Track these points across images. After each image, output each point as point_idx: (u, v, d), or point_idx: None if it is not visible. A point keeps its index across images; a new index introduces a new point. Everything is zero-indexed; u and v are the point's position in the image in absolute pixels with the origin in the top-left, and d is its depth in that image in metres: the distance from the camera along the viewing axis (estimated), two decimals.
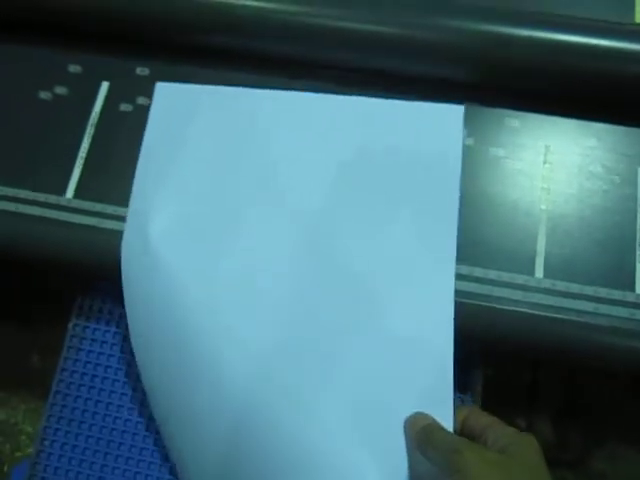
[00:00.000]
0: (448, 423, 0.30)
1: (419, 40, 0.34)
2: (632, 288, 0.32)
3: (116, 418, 0.39)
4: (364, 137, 0.34)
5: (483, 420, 0.29)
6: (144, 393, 0.38)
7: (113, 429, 0.38)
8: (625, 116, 0.34)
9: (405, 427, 0.30)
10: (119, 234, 0.34)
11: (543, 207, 0.33)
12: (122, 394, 0.39)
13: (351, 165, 0.34)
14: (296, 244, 0.33)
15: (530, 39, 0.33)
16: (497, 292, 0.32)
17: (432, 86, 0.35)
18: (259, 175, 0.35)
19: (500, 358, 0.44)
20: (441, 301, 0.31)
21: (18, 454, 0.56)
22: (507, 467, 0.26)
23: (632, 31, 0.33)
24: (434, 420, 0.29)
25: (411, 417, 0.30)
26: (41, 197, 0.35)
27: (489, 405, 0.50)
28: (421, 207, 0.33)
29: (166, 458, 0.38)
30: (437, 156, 0.34)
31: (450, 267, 0.32)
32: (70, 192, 0.36)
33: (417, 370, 0.31)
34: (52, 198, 0.35)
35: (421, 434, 0.28)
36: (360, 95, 0.35)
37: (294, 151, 0.35)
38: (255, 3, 0.35)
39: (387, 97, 0.35)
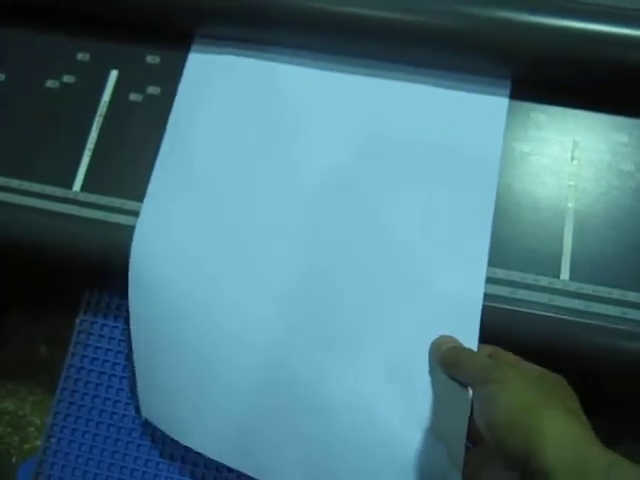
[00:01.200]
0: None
1: (443, 30, 0.32)
2: None
3: (124, 416, 0.38)
4: (401, 119, 0.34)
5: (511, 356, 0.28)
6: None
7: (121, 427, 0.38)
8: None
9: (431, 350, 0.30)
10: (127, 228, 0.33)
11: (570, 206, 0.32)
12: (129, 391, 0.38)
13: (386, 140, 0.34)
14: (325, 199, 0.33)
15: (557, 28, 0.32)
16: (520, 294, 0.31)
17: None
18: (287, 137, 0.34)
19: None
20: (473, 260, 0.31)
21: (26, 446, 0.56)
22: (544, 384, 0.26)
23: None
24: (460, 342, 0.29)
25: (437, 339, 0.30)
26: (48, 190, 0.34)
27: None
28: (458, 191, 0.32)
29: (173, 456, 0.37)
30: (478, 145, 0.33)
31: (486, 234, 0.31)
32: (78, 185, 0.34)
33: (444, 315, 0.31)
34: (59, 191, 0.34)
35: (449, 354, 0.29)
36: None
37: (326, 120, 0.34)
38: None
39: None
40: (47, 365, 0.53)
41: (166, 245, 0.33)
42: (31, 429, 0.56)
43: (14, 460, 0.55)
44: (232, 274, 0.33)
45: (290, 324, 0.32)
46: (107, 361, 0.39)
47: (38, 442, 0.54)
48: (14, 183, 0.35)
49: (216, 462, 0.33)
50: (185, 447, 0.35)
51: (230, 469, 0.34)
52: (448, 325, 0.30)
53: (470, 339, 0.30)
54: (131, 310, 0.34)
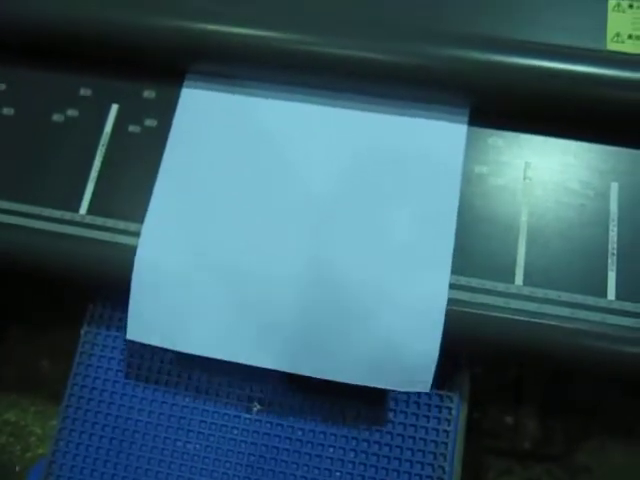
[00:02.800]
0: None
1: (409, 66, 0.37)
2: (604, 294, 0.35)
3: (127, 419, 0.41)
4: (370, 143, 0.38)
5: None
6: (154, 395, 0.41)
7: (125, 429, 0.41)
8: (599, 134, 0.37)
9: None
10: (130, 248, 0.37)
11: (523, 219, 0.36)
12: (132, 396, 0.41)
13: (358, 163, 0.38)
14: (303, 218, 0.37)
15: (511, 65, 0.36)
16: (479, 299, 0.35)
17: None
18: (270, 164, 0.38)
19: (486, 359, 0.46)
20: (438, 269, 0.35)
21: (28, 454, 0.59)
22: None
23: (604, 57, 0.36)
24: None
25: None
26: (56, 213, 0.38)
27: (477, 403, 0.53)
28: (421, 209, 0.37)
29: (173, 454, 0.40)
30: (441, 167, 0.37)
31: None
32: (84, 208, 0.38)
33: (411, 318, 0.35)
34: (67, 214, 0.38)
35: None
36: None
37: (304, 148, 0.39)
38: (257, 32, 0.38)
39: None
40: (48, 377, 0.56)
41: (165, 262, 0.37)
42: (33, 438, 0.59)
43: (17, 469, 0.58)
44: (226, 293, 0.37)
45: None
46: (110, 369, 0.42)
47: (40, 451, 0.57)
48: (25, 208, 0.38)
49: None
50: (187, 444, 0.39)
51: None
52: (415, 328, 0.34)
53: (433, 340, 0.34)
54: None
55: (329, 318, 0.36)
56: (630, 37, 0.36)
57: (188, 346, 0.37)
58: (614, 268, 0.35)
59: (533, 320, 0.34)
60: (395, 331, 0.35)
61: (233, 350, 0.37)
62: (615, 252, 0.35)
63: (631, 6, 0.37)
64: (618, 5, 0.37)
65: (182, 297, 0.37)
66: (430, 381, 0.35)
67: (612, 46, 0.36)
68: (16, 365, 0.59)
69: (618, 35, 0.36)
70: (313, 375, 0.36)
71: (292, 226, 0.37)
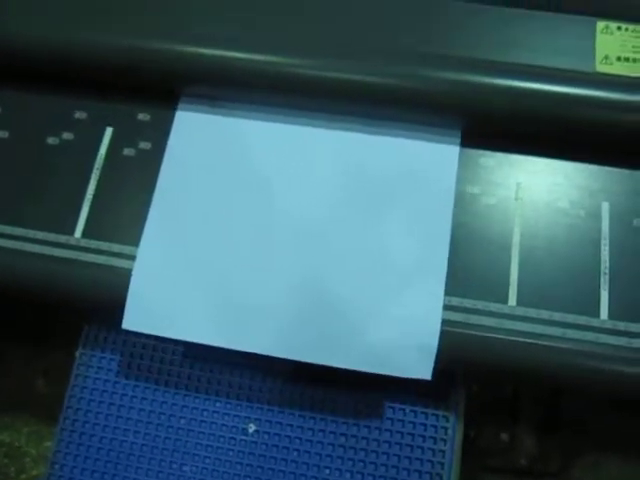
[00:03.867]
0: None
1: (402, 89, 0.37)
2: (597, 314, 0.35)
3: (122, 442, 0.41)
4: (362, 165, 0.39)
5: None
6: (149, 417, 0.41)
7: (120, 452, 0.41)
8: (590, 155, 0.38)
9: None
10: (124, 271, 0.37)
11: (515, 240, 0.37)
12: (128, 419, 0.41)
13: (353, 183, 0.38)
14: (296, 238, 0.37)
15: (502, 87, 0.37)
16: (473, 319, 0.35)
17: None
18: (265, 192, 0.39)
19: (481, 377, 0.46)
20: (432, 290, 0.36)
21: (22, 476, 0.58)
22: None
23: (593, 80, 0.36)
24: None
25: None
26: (51, 237, 0.38)
27: (473, 420, 0.53)
28: (414, 230, 0.37)
29: (169, 477, 0.40)
30: (433, 188, 0.38)
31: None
32: (78, 232, 0.38)
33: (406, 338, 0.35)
34: (62, 238, 0.38)
35: None
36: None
37: (299, 171, 0.39)
38: (251, 56, 0.38)
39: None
40: (43, 398, 0.56)
41: (161, 287, 0.37)
42: (27, 459, 0.59)
43: None
44: (220, 313, 0.37)
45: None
46: (106, 391, 0.42)
47: (34, 472, 0.56)
48: (20, 231, 0.38)
49: None
50: (183, 466, 0.39)
51: None
52: (409, 347, 0.34)
53: (428, 360, 0.34)
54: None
55: (327, 303, 0.36)
56: (619, 59, 0.37)
57: (182, 333, 0.37)
58: (606, 287, 0.35)
59: (526, 340, 0.35)
60: (396, 317, 0.35)
61: (229, 337, 0.37)
62: (607, 271, 0.36)
63: (619, 28, 0.37)
64: (607, 27, 0.37)
65: (177, 288, 0.37)
66: (431, 366, 0.34)
67: (601, 68, 0.37)
68: (11, 385, 0.58)
69: (607, 57, 0.37)
70: (307, 360, 0.36)
71: (285, 249, 0.37)
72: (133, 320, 0.37)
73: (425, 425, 0.40)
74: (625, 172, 0.37)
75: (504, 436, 0.52)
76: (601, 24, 0.38)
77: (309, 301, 0.36)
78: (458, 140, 0.38)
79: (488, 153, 0.38)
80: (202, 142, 0.40)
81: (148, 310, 0.37)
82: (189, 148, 0.39)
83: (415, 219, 0.37)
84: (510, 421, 0.53)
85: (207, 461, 0.40)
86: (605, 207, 0.37)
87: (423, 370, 0.34)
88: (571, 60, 0.37)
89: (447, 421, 0.40)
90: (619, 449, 0.52)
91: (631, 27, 0.37)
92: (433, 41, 0.38)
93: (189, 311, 0.37)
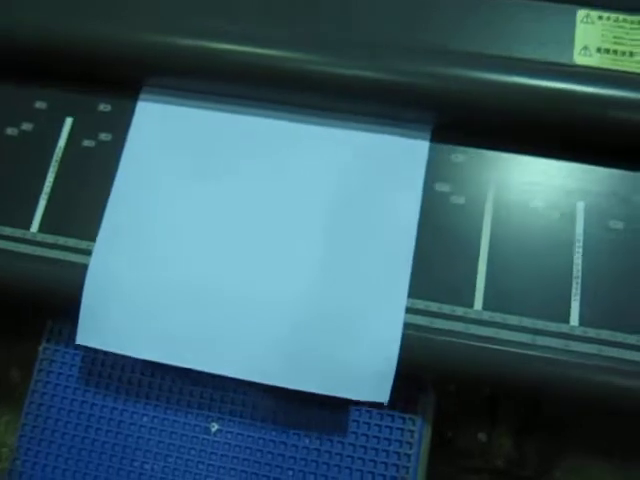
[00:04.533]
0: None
1: (372, 83, 0.35)
2: (567, 320, 0.33)
3: (84, 438, 0.40)
4: (329, 159, 0.37)
5: None
6: (112, 414, 0.40)
7: (82, 449, 0.40)
8: (566, 153, 0.36)
9: None
10: (82, 266, 0.36)
11: (484, 241, 0.35)
12: (90, 415, 0.41)
13: (316, 179, 0.37)
14: (252, 233, 0.36)
15: (475, 79, 0.35)
16: (438, 324, 0.34)
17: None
18: (227, 185, 0.37)
19: (448, 381, 0.45)
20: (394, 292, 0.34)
21: (0, 466, 0.58)
22: None
23: (568, 72, 0.34)
24: None
25: None
26: (7, 230, 0.37)
27: (451, 420, 0.52)
28: (381, 228, 0.36)
29: (130, 474, 0.39)
30: (400, 184, 0.36)
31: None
32: (35, 226, 0.37)
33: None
34: (18, 232, 0.37)
35: None
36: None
37: (259, 162, 0.38)
38: (213, 45, 0.36)
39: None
40: (18, 388, 0.56)
41: (116, 282, 0.36)
42: (4, 450, 0.59)
43: None
44: (181, 298, 0.36)
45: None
46: (68, 387, 0.41)
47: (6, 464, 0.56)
48: None
49: None
50: (144, 463, 0.39)
51: None
52: (367, 372, 0.34)
53: (385, 385, 0.33)
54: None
55: (292, 328, 0.35)
56: (599, 50, 0.35)
57: (140, 351, 0.36)
58: (578, 292, 0.34)
59: (492, 346, 0.33)
60: (356, 342, 0.34)
61: (187, 355, 0.36)
62: (580, 276, 0.34)
63: (600, 17, 0.35)
64: (587, 16, 0.35)
65: (137, 302, 0.36)
66: (389, 390, 0.34)
67: (579, 59, 0.35)
68: None
69: (586, 48, 0.35)
70: (270, 383, 0.35)
71: (245, 242, 0.36)
72: (87, 336, 0.36)
73: (391, 428, 0.39)
74: (603, 171, 0.35)
75: (482, 436, 0.51)
76: (582, 12, 0.35)
77: (273, 320, 0.35)
78: (428, 135, 0.36)
79: (460, 149, 0.36)
80: (164, 133, 0.38)
81: (103, 325, 0.36)
82: (150, 140, 0.38)
83: (379, 221, 0.35)
84: (488, 421, 0.52)
85: (169, 460, 0.40)
86: (580, 207, 0.35)
87: (380, 395, 0.34)
88: (549, 50, 0.35)
89: (414, 424, 0.39)
90: (601, 452, 0.51)
91: (613, 16, 0.35)
92: (404, 31, 0.37)
93: (147, 327, 0.36)
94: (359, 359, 0.34)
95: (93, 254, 0.36)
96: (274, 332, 0.35)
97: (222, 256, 0.36)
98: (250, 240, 0.36)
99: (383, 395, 0.34)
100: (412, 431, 0.39)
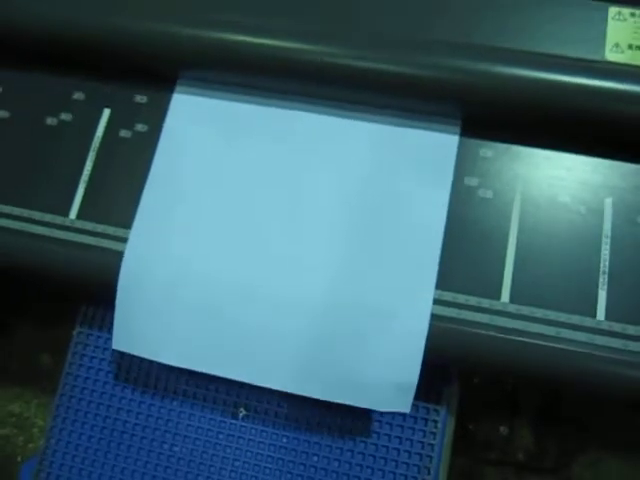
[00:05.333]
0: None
1: (403, 77, 0.36)
2: (593, 314, 0.34)
3: (116, 419, 0.42)
4: (360, 153, 0.38)
5: None
6: (142, 398, 0.42)
7: (113, 429, 0.42)
8: (593, 148, 0.36)
9: None
10: (118, 253, 0.37)
11: (512, 235, 0.35)
12: (122, 398, 0.42)
13: (348, 173, 0.38)
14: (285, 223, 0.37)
15: (505, 75, 0.35)
16: (464, 315, 0.34)
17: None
18: (261, 177, 0.38)
19: (474, 372, 0.46)
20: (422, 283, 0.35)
21: (30, 445, 0.60)
22: None
23: (599, 69, 0.35)
24: None
25: None
26: (47, 217, 0.38)
27: (473, 413, 0.52)
28: (410, 220, 0.36)
29: (160, 456, 0.41)
30: (430, 177, 0.37)
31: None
32: (74, 213, 0.38)
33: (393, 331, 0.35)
34: (58, 219, 0.38)
35: None
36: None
37: (296, 155, 0.38)
38: (248, 39, 0.37)
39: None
40: (50, 371, 0.57)
41: (151, 271, 0.37)
42: (35, 430, 0.61)
43: (19, 459, 0.60)
44: (209, 305, 0.37)
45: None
46: (101, 370, 0.43)
47: (41, 442, 0.58)
48: (17, 211, 0.39)
49: None
50: (173, 446, 0.40)
51: None
52: (390, 384, 0.34)
53: (407, 396, 0.34)
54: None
55: (314, 336, 0.35)
56: (630, 47, 0.35)
57: (171, 358, 0.37)
58: (605, 287, 0.34)
59: (517, 338, 0.34)
60: (378, 353, 0.35)
61: (214, 363, 0.37)
62: (607, 270, 0.34)
63: (633, 14, 0.35)
64: (619, 13, 0.36)
65: (167, 309, 0.37)
66: (411, 401, 0.35)
67: (611, 56, 0.35)
68: (19, 358, 0.60)
69: (617, 45, 0.35)
70: (294, 392, 0.36)
71: (278, 237, 0.37)
72: (122, 341, 0.38)
73: (415, 418, 0.40)
74: (631, 167, 0.36)
75: (503, 429, 0.52)
76: (613, 10, 0.36)
77: (298, 326, 0.36)
78: (458, 129, 0.37)
79: (488, 144, 0.37)
80: (199, 125, 0.39)
81: (137, 331, 0.37)
82: (185, 131, 0.39)
83: (408, 214, 0.36)
84: (510, 415, 0.52)
85: (197, 443, 0.41)
86: (608, 203, 0.35)
87: (402, 405, 0.35)
88: (580, 47, 0.36)
89: (437, 414, 0.40)
90: (620, 446, 0.51)
91: None
92: (436, 28, 0.37)
93: (175, 334, 0.37)
94: (382, 371, 0.34)
95: (127, 248, 0.37)
96: (299, 339, 0.35)
97: (248, 252, 0.37)
98: (278, 235, 0.37)
99: (405, 406, 0.34)
100: (436, 421, 0.40)
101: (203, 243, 0.37)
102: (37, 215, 0.38)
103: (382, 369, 0.34)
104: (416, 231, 0.36)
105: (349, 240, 0.36)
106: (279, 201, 0.38)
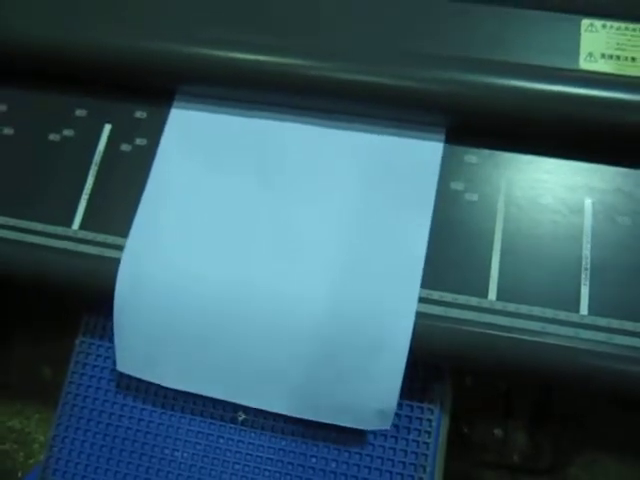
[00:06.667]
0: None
1: (389, 89, 0.38)
2: (577, 309, 0.35)
3: (118, 427, 0.43)
4: (348, 161, 0.40)
5: None
6: (144, 405, 0.43)
7: (115, 436, 0.43)
8: (574, 152, 0.38)
9: None
10: (119, 262, 0.39)
11: (497, 235, 0.37)
12: (123, 405, 0.43)
13: (333, 184, 0.39)
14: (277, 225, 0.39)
15: (487, 85, 0.37)
16: (452, 313, 0.36)
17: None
18: (256, 189, 0.40)
19: (470, 371, 0.47)
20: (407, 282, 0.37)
21: (31, 461, 0.61)
22: None
23: (578, 77, 0.37)
24: None
25: None
26: (50, 228, 0.40)
27: (467, 417, 0.53)
28: (397, 222, 0.38)
29: (161, 462, 0.41)
30: (416, 182, 0.38)
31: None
32: (76, 224, 0.40)
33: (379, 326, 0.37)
34: (60, 229, 0.40)
35: None
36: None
37: (286, 165, 0.40)
38: (243, 56, 0.39)
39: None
40: (51, 385, 0.58)
41: (146, 281, 0.39)
42: (36, 445, 0.61)
43: (20, 475, 0.60)
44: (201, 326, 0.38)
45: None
46: (103, 378, 0.44)
47: (42, 457, 0.59)
48: (21, 223, 0.40)
49: None
50: (175, 452, 0.41)
51: None
52: (371, 408, 0.37)
53: (388, 417, 0.37)
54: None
55: (306, 363, 0.37)
56: (603, 56, 0.37)
57: (172, 382, 0.40)
58: (587, 283, 0.36)
59: (505, 334, 0.35)
60: (362, 384, 0.37)
61: (211, 385, 0.39)
62: (588, 267, 0.36)
63: (604, 26, 0.38)
64: (591, 25, 0.38)
65: (164, 333, 0.39)
66: (391, 421, 0.37)
67: (585, 65, 0.37)
68: (19, 372, 0.61)
69: (591, 54, 0.37)
70: (287, 414, 0.39)
71: (273, 248, 0.38)
72: (126, 364, 0.40)
73: (410, 417, 0.41)
74: (609, 169, 0.38)
75: (498, 432, 0.53)
76: (586, 22, 0.38)
77: (292, 358, 0.37)
78: (442, 137, 0.39)
79: (472, 150, 0.39)
80: (196, 139, 0.41)
81: (137, 355, 0.39)
82: (182, 144, 0.41)
83: (394, 219, 0.37)
84: (504, 417, 0.53)
85: (198, 447, 0.42)
86: (588, 204, 0.37)
87: (383, 424, 0.37)
88: (555, 58, 0.38)
89: (432, 413, 0.41)
90: (616, 446, 0.52)
91: (616, 25, 0.37)
92: (417, 39, 0.39)
93: (174, 357, 0.39)
94: (365, 399, 0.37)
95: (122, 259, 0.38)
96: (292, 366, 0.37)
97: (244, 262, 0.38)
98: (273, 244, 0.39)
99: (386, 424, 0.37)
100: (430, 420, 0.41)
101: (198, 254, 0.39)
102: (40, 227, 0.40)
103: (365, 397, 0.37)
104: (403, 230, 0.37)
105: (340, 248, 0.38)
106: (271, 214, 0.39)
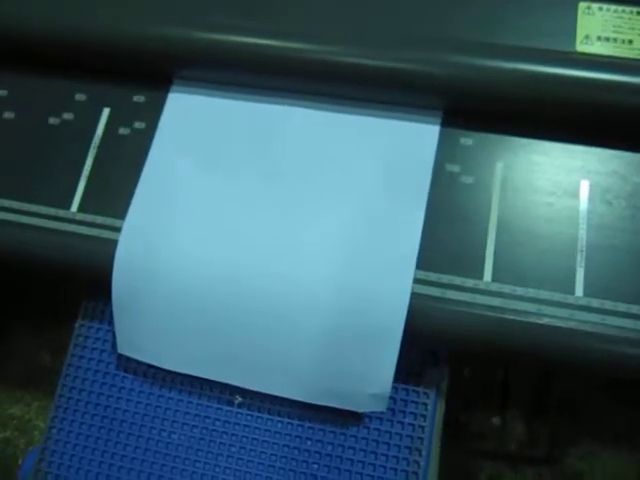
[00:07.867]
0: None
1: (387, 71, 0.38)
2: (572, 291, 0.35)
3: (116, 409, 0.43)
4: (346, 144, 0.40)
5: None
6: (141, 387, 0.43)
7: (113, 419, 0.43)
8: (569, 134, 0.38)
9: None
10: (117, 243, 0.39)
11: (493, 217, 0.37)
12: (121, 387, 0.43)
13: (334, 159, 0.40)
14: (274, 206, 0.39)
15: (483, 67, 0.37)
16: (449, 294, 0.36)
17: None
18: (253, 172, 0.40)
19: (469, 356, 0.47)
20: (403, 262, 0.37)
21: (31, 448, 0.61)
22: None
23: (575, 59, 0.37)
24: None
25: None
26: (50, 210, 0.40)
27: (464, 405, 0.53)
28: (393, 203, 0.38)
29: (159, 444, 0.42)
30: (413, 164, 0.39)
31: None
32: (75, 206, 0.40)
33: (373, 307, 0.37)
34: (60, 212, 0.40)
35: None
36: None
37: (283, 147, 0.40)
38: (241, 39, 0.39)
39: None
40: (50, 372, 0.59)
41: (143, 263, 0.39)
42: (36, 432, 0.61)
43: (20, 462, 0.60)
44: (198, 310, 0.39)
45: None
46: (102, 361, 0.44)
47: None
48: (21, 205, 0.41)
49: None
50: (172, 434, 0.41)
51: None
52: (366, 393, 0.37)
53: (383, 400, 0.37)
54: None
55: (310, 350, 0.38)
56: (599, 39, 0.37)
57: (172, 365, 0.40)
58: (582, 265, 0.36)
59: (500, 315, 0.35)
60: (358, 369, 0.37)
61: (211, 368, 0.40)
62: (584, 249, 0.36)
63: (601, 9, 0.38)
64: (588, 8, 0.38)
65: (164, 316, 0.39)
66: (386, 404, 0.38)
67: (581, 48, 0.37)
68: (19, 361, 0.61)
69: (587, 37, 0.37)
70: (285, 396, 0.39)
71: (272, 229, 0.38)
72: (126, 346, 0.41)
73: (405, 401, 0.41)
74: (605, 152, 0.38)
75: (495, 420, 0.53)
76: (583, 5, 0.38)
77: (292, 344, 0.38)
78: (439, 120, 0.39)
79: (468, 133, 0.39)
80: (193, 123, 0.41)
81: (137, 337, 0.40)
82: (180, 128, 0.41)
83: (391, 200, 0.38)
84: (501, 406, 0.53)
85: (194, 430, 0.42)
86: (584, 186, 0.37)
87: (379, 406, 0.38)
88: (552, 40, 0.38)
89: (427, 397, 0.41)
90: (613, 438, 0.52)
91: (612, 8, 0.37)
92: (413, 22, 0.39)
93: (180, 341, 0.39)
94: (360, 383, 0.37)
95: (120, 240, 0.39)
96: (294, 351, 0.38)
97: (243, 243, 0.39)
98: (271, 225, 0.39)
99: (382, 406, 0.38)
100: (426, 404, 0.41)
101: (197, 239, 0.39)
102: (41, 209, 0.40)
103: (361, 382, 0.38)
104: (399, 212, 0.37)
105: (338, 240, 0.38)
106: (269, 196, 0.39)
